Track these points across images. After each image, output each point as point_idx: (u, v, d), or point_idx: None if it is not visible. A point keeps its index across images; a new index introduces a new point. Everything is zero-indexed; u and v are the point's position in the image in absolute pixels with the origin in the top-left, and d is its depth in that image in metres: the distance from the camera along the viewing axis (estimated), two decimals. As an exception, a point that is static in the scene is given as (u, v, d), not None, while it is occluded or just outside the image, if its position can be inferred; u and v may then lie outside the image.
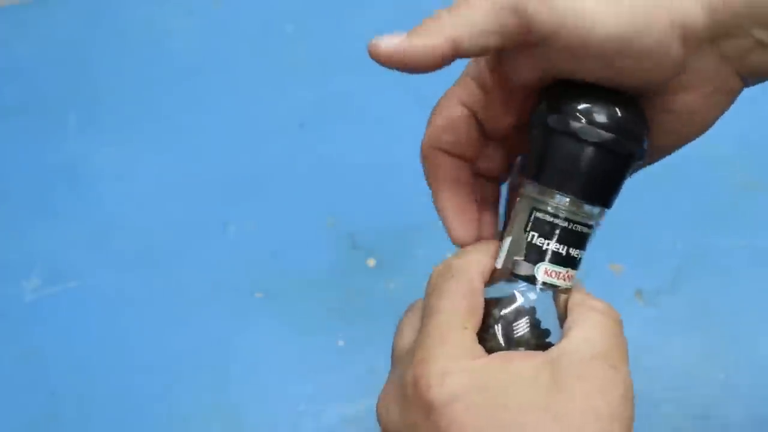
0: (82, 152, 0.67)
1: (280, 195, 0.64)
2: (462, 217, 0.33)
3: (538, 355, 0.27)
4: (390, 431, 0.30)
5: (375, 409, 0.31)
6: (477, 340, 0.28)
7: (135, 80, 0.72)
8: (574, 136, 0.26)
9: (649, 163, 0.32)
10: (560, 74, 0.28)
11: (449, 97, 0.33)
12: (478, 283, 0.30)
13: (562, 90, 0.27)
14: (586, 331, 0.28)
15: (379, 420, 0.31)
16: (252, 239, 0.61)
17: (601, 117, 0.27)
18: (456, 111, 0.32)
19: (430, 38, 0.28)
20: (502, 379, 0.27)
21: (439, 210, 0.34)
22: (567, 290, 0.29)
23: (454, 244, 0.33)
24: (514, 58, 0.29)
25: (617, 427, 0.27)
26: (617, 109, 0.27)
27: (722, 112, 0.30)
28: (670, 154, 0.32)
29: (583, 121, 0.27)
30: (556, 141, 0.27)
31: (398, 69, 0.29)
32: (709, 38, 0.27)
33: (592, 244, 0.30)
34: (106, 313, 0.58)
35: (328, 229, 0.61)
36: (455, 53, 0.28)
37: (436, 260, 0.59)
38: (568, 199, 0.28)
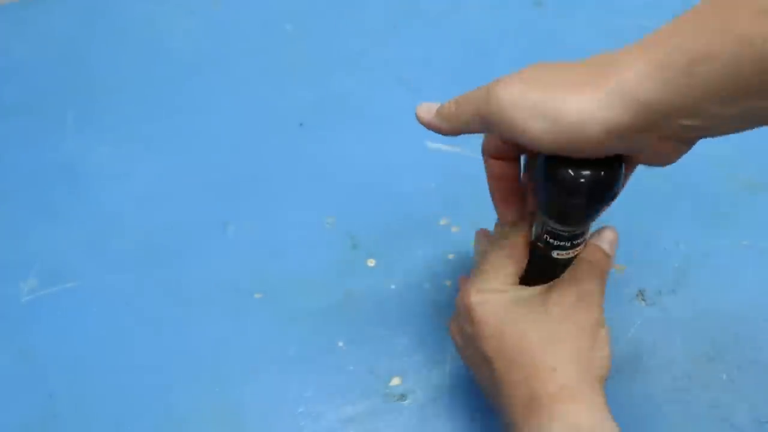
0: (80, 151, 0.67)
1: (280, 195, 0.64)
2: (507, 202, 0.45)
3: (540, 288, 0.44)
4: (455, 331, 0.47)
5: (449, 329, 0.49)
6: (514, 276, 0.45)
7: (134, 79, 0.72)
8: (562, 192, 0.39)
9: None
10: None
11: None
12: (522, 244, 0.45)
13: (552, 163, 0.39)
14: (573, 273, 0.44)
15: (451, 336, 0.49)
16: (251, 239, 0.61)
17: (576, 183, 0.38)
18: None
19: (443, 123, 0.42)
20: (517, 297, 0.44)
21: (492, 197, 0.46)
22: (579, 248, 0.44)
23: (502, 222, 0.46)
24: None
25: (579, 332, 0.42)
26: (589, 176, 0.38)
27: (680, 156, 0.37)
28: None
29: (566, 184, 0.38)
30: (551, 191, 0.39)
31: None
32: (639, 131, 0.34)
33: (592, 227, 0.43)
34: (105, 313, 0.57)
35: (328, 229, 0.61)
36: (457, 133, 0.42)
37: (436, 261, 0.59)
38: (561, 226, 0.42)
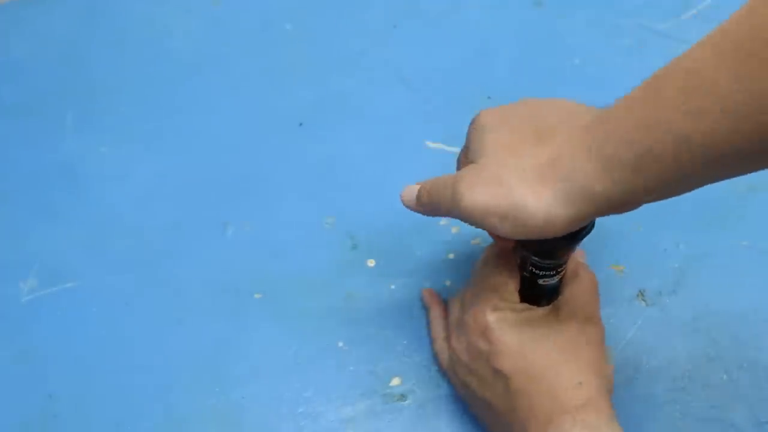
0: (79, 151, 0.67)
1: (279, 195, 0.63)
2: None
3: (547, 308, 0.47)
4: (453, 356, 0.49)
5: (433, 351, 0.53)
6: (516, 292, 0.47)
7: (133, 79, 0.72)
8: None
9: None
10: None
11: None
12: (514, 265, 0.47)
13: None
14: (573, 293, 0.46)
15: (437, 356, 0.52)
16: (251, 239, 0.61)
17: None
18: None
19: (422, 209, 0.47)
20: (531, 315, 0.46)
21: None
22: (563, 271, 0.47)
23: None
24: None
25: (593, 348, 0.45)
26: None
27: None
28: None
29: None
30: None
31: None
32: (601, 213, 0.38)
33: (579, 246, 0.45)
34: (104, 313, 0.57)
35: (328, 229, 0.61)
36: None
37: (436, 261, 0.59)
38: (543, 260, 0.46)
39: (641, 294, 0.56)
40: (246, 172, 0.65)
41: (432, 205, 0.44)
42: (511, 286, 0.47)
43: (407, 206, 0.47)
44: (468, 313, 0.48)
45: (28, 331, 0.57)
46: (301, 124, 0.68)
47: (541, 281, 0.47)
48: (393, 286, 0.58)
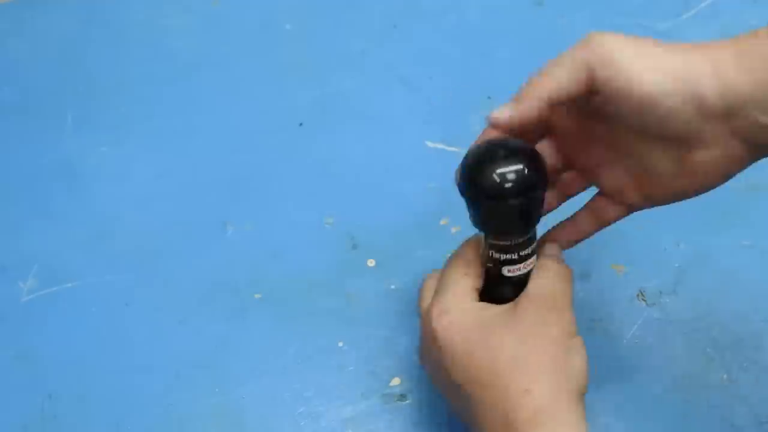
0: (79, 151, 0.67)
1: (279, 195, 0.63)
2: None
3: (506, 305, 0.42)
4: (423, 358, 0.45)
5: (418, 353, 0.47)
6: (472, 290, 0.43)
7: (132, 78, 0.72)
8: (484, 198, 0.40)
9: (672, 201, 0.42)
10: (605, 120, 0.40)
11: None
12: (476, 259, 0.44)
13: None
14: (537, 282, 0.42)
15: (420, 358, 0.47)
16: (251, 239, 0.61)
17: (491, 182, 0.39)
18: None
19: (528, 105, 0.39)
20: (483, 315, 0.41)
21: None
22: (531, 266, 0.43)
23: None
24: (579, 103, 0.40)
25: (550, 341, 0.40)
26: (503, 173, 0.39)
27: (725, 178, 0.39)
28: (672, 202, 0.42)
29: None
30: (475, 201, 0.41)
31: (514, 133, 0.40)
32: (720, 114, 0.35)
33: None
34: (104, 313, 0.57)
35: (328, 229, 0.61)
36: (547, 109, 0.39)
37: (436, 260, 0.59)
38: (501, 238, 0.42)
39: (641, 294, 0.56)
40: (246, 172, 0.65)
41: (547, 80, 0.39)
42: (468, 284, 0.43)
43: (500, 121, 0.40)
44: (421, 318, 0.45)
45: (28, 331, 0.57)
46: (301, 124, 0.68)
47: (505, 270, 0.43)
48: (393, 286, 0.58)
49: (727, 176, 0.39)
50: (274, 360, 0.55)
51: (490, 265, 0.43)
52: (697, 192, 0.40)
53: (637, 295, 0.56)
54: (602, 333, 0.54)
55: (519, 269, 0.43)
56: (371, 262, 0.59)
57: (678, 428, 0.50)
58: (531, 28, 0.74)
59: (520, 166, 0.39)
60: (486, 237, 0.43)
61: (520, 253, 0.42)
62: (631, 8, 0.75)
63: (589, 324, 0.55)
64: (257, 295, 0.58)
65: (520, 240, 0.42)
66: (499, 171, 0.39)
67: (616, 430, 0.50)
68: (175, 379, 0.54)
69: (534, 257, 0.43)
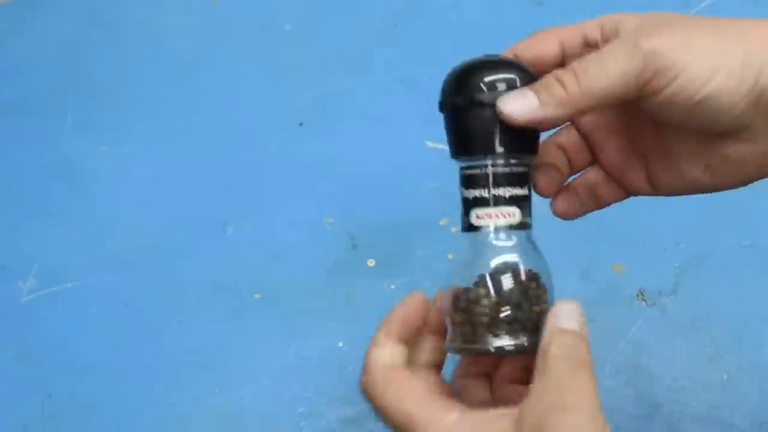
0: (78, 151, 0.67)
1: (279, 195, 0.63)
2: None
3: (506, 416, 0.30)
4: None
5: None
6: (434, 386, 0.34)
7: (132, 79, 0.72)
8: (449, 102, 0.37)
9: (682, 194, 0.39)
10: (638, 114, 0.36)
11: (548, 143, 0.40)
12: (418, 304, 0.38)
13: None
14: (549, 382, 0.30)
15: None
16: (251, 239, 0.61)
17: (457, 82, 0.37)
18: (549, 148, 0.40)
19: (557, 110, 0.34)
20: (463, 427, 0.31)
21: None
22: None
23: None
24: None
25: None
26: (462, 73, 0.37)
27: (758, 177, 0.36)
28: (681, 195, 0.39)
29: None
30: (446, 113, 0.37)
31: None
32: None
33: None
34: (104, 313, 0.57)
35: (328, 229, 0.61)
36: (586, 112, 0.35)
37: (435, 260, 0.59)
38: (465, 158, 0.36)
39: (641, 294, 0.56)
40: (246, 172, 0.65)
41: (593, 81, 0.33)
42: (422, 395, 0.34)
43: (524, 119, 0.34)
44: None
45: (28, 331, 0.57)
46: (301, 124, 0.68)
47: (474, 218, 0.35)
48: (393, 286, 0.58)
49: (761, 175, 0.36)
50: (274, 360, 0.55)
51: (464, 216, 0.36)
52: (718, 188, 0.37)
53: (637, 296, 0.56)
54: (602, 333, 0.54)
55: (492, 218, 0.34)
56: (371, 262, 0.59)
57: (678, 428, 0.50)
58: (531, 27, 0.74)
59: (493, 72, 0.36)
60: (459, 168, 0.36)
61: (494, 192, 0.34)
62: (631, 8, 0.75)
63: (589, 324, 0.55)
64: (257, 295, 0.58)
65: (490, 164, 0.34)
66: (469, 77, 0.36)
67: (615, 430, 0.50)
68: (175, 379, 0.54)
69: (517, 214, 0.34)
